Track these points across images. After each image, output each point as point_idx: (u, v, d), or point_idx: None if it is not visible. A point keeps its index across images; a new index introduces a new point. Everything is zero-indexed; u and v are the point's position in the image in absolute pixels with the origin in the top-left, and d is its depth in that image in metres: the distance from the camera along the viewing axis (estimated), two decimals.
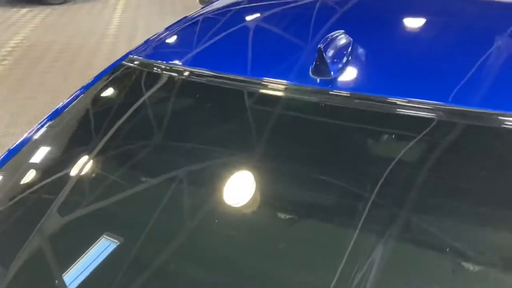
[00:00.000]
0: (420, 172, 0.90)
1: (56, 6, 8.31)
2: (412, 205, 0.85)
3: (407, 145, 0.93)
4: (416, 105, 0.95)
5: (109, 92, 1.37)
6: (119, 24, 7.15)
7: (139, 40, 6.33)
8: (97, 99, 1.36)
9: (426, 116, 0.94)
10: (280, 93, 1.10)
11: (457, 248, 0.79)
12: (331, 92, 1.03)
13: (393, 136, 0.98)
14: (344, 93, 1.02)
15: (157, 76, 1.29)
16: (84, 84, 1.42)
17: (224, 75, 1.17)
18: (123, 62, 1.39)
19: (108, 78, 1.37)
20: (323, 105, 1.03)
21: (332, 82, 1.04)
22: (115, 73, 1.37)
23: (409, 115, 0.95)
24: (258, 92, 1.12)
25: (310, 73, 1.07)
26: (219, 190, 0.96)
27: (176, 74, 1.26)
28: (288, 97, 1.08)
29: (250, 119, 1.10)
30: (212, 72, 1.20)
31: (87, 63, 5.42)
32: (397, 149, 0.93)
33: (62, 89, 4.70)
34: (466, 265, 0.77)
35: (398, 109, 0.96)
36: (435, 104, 0.94)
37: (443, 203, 0.86)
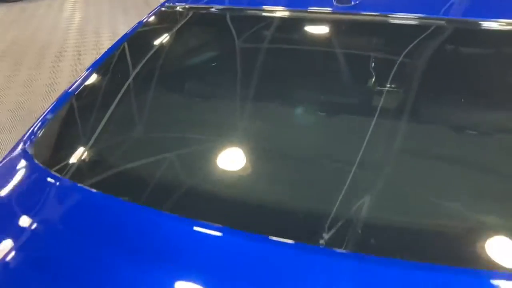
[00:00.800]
0: (428, 66, 1.23)
1: (12, 3, 8.22)
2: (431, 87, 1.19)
3: (410, 46, 1.26)
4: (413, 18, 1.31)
5: (156, 32, 1.58)
6: (82, 18, 7.20)
7: (105, 33, 6.43)
8: (144, 41, 1.56)
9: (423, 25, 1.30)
10: (313, 19, 1.43)
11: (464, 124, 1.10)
12: (352, 15, 1.37)
13: (400, 41, 1.34)
14: (363, 14, 1.36)
15: (196, 15, 1.54)
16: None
17: (259, 8, 1.47)
18: (162, 8, 1.61)
19: (151, 23, 1.58)
20: (346, 24, 1.39)
21: (352, 8, 1.38)
22: (157, 17, 1.59)
23: (409, 25, 1.32)
24: (295, 18, 1.46)
25: (334, 2, 1.41)
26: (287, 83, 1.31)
27: (213, 11, 1.52)
28: (318, 20, 1.42)
29: (293, 39, 1.41)
30: (247, 7, 1.47)
31: (58, 56, 5.50)
32: (403, 49, 1.26)
33: (36, 79, 4.78)
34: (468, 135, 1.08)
35: (401, 21, 1.33)
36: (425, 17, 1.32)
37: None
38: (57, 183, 0.97)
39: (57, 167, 1.01)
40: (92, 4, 8.11)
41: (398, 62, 1.23)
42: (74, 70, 5.00)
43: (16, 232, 0.88)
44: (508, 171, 0.97)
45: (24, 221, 0.90)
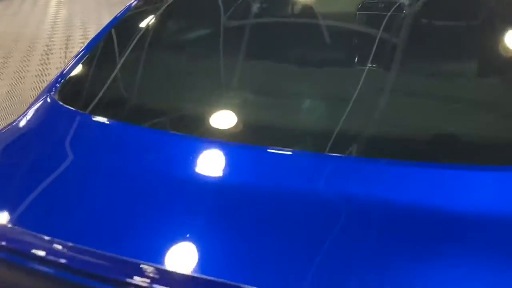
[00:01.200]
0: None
1: None
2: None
3: None
4: None
5: None
6: (68, 14, 7.32)
7: (92, 28, 6.56)
8: None
9: None
10: None
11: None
12: None
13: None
14: None
15: None
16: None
17: None
18: None
19: None
20: None
21: None
22: None
23: None
24: None
25: None
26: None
27: None
28: None
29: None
30: None
31: (46, 49, 5.63)
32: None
33: (26, 70, 4.92)
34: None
35: None
36: None
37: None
38: (80, 118, 1.17)
39: (78, 106, 1.21)
40: (77, 1, 8.22)
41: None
42: (63, 63, 5.13)
43: (56, 162, 1.06)
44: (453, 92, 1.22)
45: (60, 153, 1.08)
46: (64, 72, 1.38)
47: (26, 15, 7.30)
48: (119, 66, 1.40)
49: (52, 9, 7.65)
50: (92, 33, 6.22)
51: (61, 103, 1.21)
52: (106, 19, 7.16)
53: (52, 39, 5.98)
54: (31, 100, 1.62)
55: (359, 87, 1.18)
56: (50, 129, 1.15)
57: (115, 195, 0.95)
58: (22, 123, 1.19)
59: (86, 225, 0.88)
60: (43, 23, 6.77)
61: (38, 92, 4.92)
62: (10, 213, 0.93)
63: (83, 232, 0.87)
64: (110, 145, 1.08)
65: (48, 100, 1.24)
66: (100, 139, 1.11)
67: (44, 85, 4.61)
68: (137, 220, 0.89)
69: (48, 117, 1.20)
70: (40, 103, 1.24)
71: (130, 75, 1.39)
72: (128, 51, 1.47)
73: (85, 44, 1.61)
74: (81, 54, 1.47)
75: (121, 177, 0.99)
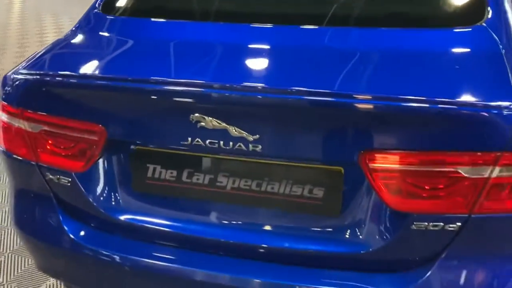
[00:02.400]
0: None
1: None
2: None
3: None
4: None
5: None
6: (36, 7, 7.55)
7: (63, 17, 6.85)
8: None
9: None
10: None
11: None
12: None
13: None
14: None
15: None
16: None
17: None
18: None
19: None
20: None
21: None
22: None
23: None
24: None
25: None
26: None
27: None
28: None
29: None
30: None
31: (21, 35, 5.93)
32: None
33: (6, 50, 5.23)
34: None
35: None
36: None
37: None
38: (117, 21, 1.68)
39: (117, 13, 1.70)
40: None
41: None
42: (40, 46, 5.47)
43: (113, 43, 1.58)
44: None
45: (110, 38, 1.61)
46: None
47: None
48: None
49: (17, 2, 7.87)
50: (64, 22, 6.57)
51: (104, 13, 1.70)
52: (74, 9, 7.37)
53: (26, 28, 6.28)
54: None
55: None
56: (100, 28, 1.68)
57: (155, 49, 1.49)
58: (81, 27, 1.69)
59: (147, 67, 1.38)
60: (12, 13, 7.02)
61: None
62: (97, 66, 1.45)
63: (150, 70, 1.36)
64: (142, 30, 1.62)
65: (94, 14, 1.73)
66: (130, 31, 1.64)
67: None
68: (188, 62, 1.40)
69: (97, 21, 1.71)
70: (88, 15, 1.73)
71: None
72: None
73: None
74: None
75: (149, 41, 1.54)
